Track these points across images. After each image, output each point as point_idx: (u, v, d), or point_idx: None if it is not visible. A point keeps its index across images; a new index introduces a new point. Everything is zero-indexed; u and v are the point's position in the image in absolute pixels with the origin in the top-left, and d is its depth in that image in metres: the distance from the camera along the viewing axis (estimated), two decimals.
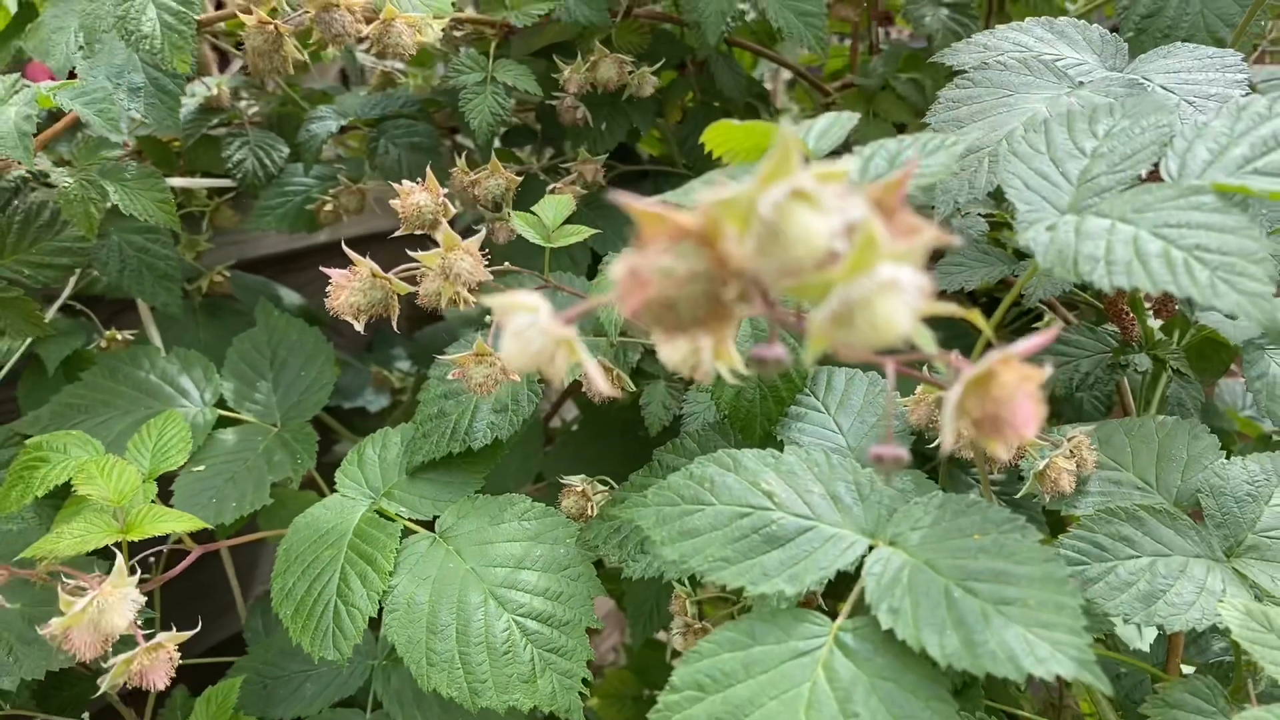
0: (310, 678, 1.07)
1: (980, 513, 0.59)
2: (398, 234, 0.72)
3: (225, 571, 1.31)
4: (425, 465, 0.93)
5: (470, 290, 0.70)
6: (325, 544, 0.87)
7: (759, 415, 0.79)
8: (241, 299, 1.32)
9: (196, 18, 0.80)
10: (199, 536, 0.97)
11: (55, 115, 0.94)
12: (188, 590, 1.43)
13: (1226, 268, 0.48)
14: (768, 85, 1.73)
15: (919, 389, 0.77)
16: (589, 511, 0.90)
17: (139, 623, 0.68)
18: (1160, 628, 0.68)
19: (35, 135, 0.82)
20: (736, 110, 1.33)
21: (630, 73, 1.10)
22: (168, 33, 0.78)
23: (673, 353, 0.45)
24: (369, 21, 0.86)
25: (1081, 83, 0.77)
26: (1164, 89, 0.74)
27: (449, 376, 0.79)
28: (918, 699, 0.53)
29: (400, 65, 1.39)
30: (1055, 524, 0.92)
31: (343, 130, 1.22)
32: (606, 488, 0.93)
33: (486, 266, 0.72)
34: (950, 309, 0.44)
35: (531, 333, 0.37)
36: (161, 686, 0.65)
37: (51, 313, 1.10)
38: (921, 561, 0.57)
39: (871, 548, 0.60)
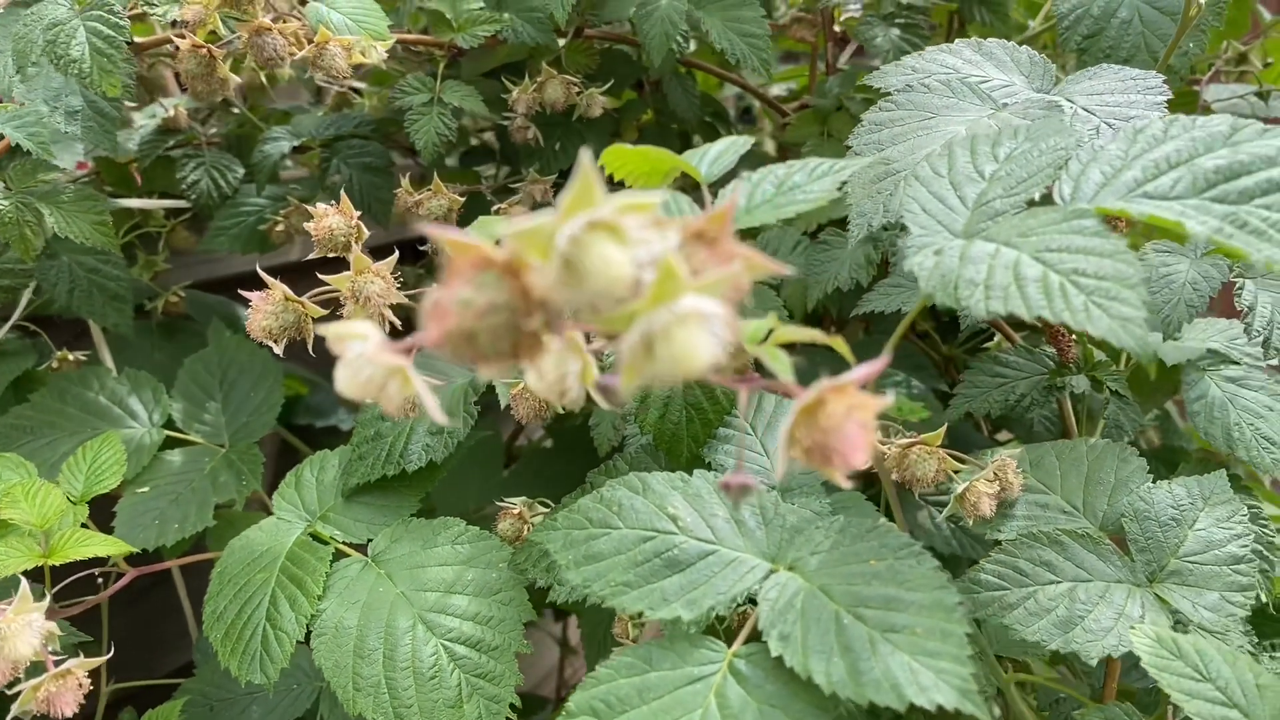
0: (257, 700, 1.07)
1: (879, 538, 0.58)
2: (311, 257, 0.72)
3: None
4: (362, 488, 0.93)
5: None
6: (258, 567, 0.87)
7: (685, 437, 0.79)
8: (200, 319, 1.32)
9: (127, 41, 0.80)
10: (147, 559, 0.97)
11: None
12: (152, 613, 1.43)
13: (1101, 292, 0.48)
14: (756, 104, 1.74)
15: None
16: (525, 534, 0.90)
17: (50, 648, 0.67)
18: (1076, 654, 0.67)
19: None
20: (692, 130, 1.33)
21: (579, 93, 1.10)
22: (97, 57, 0.78)
23: (538, 380, 0.45)
24: (307, 43, 0.87)
25: (1005, 104, 0.77)
26: (1086, 111, 0.74)
27: (367, 400, 0.79)
28: None
29: (362, 85, 1.40)
30: None
31: (297, 151, 1.22)
32: (546, 509, 0.93)
33: (404, 289, 0.72)
34: (811, 334, 0.44)
35: (360, 362, 0.37)
36: (69, 713, 0.65)
37: (2, 333, 1.10)
38: (816, 587, 0.57)
39: (773, 572, 0.60)
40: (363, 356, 0.36)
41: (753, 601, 0.57)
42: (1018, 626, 0.69)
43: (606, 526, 0.64)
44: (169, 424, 1.10)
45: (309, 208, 0.69)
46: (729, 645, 0.58)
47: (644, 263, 0.32)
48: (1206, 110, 1.22)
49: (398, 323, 0.74)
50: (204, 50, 0.84)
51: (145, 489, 1.02)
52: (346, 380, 0.37)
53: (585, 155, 0.31)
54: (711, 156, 0.58)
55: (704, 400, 0.79)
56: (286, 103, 1.50)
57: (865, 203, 0.72)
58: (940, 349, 1.26)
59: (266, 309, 0.68)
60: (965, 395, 0.92)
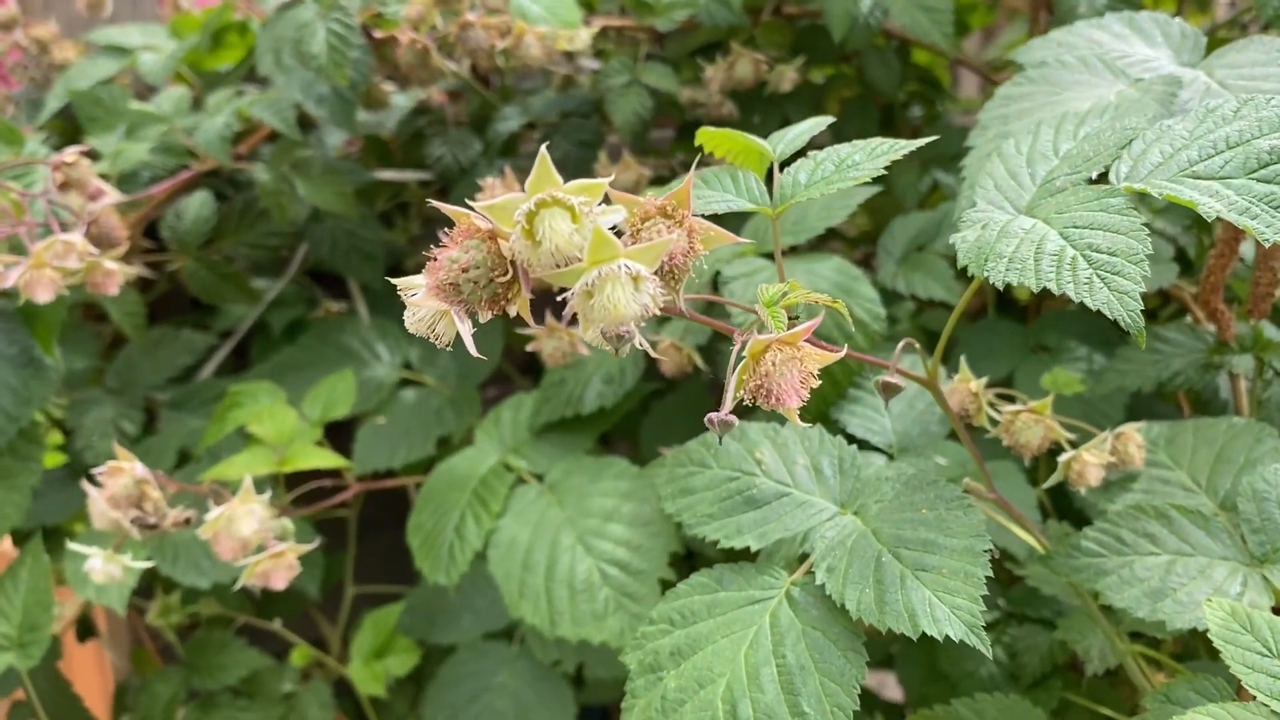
0: (468, 610, 1.23)
1: (936, 491, 0.63)
2: None
3: None
4: (547, 427, 1.05)
5: None
6: (456, 488, 1.02)
7: (814, 395, 0.85)
8: None
9: (357, 41, 0.95)
10: (379, 477, 1.15)
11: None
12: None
13: (1108, 267, 0.51)
14: None
15: (955, 378, 0.81)
16: None
17: (274, 536, 0.83)
18: (1163, 624, 0.69)
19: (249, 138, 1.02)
20: (896, 102, 1.36)
21: (769, 70, 1.17)
22: (332, 52, 0.94)
23: (591, 334, 0.54)
24: (504, 36, 0.99)
25: (1140, 79, 0.77)
26: (1220, 85, 0.73)
27: (528, 349, 0.91)
28: (837, 648, 0.59)
29: (596, 65, 1.52)
30: None
31: (527, 128, 1.36)
32: None
33: None
34: (816, 297, 0.50)
35: (414, 305, 0.47)
36: (281, 587, 0.81)
37: (281, 286, 1.32)
38: (870, 529, 0.63)
39: (838, 515, 0.66)
40: (416, 300, 0.47)
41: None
42: (1109, 593, 0.71)
43: (703, 465, 0.72)
44: (407, 366, 1.27)
45: (481, 182, 0.80)
46: (790, 576, 0.65)
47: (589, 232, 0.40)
48: None
49: None
50: (419, 44, 0.98)
51: (382, 420, 1.20)
52: (409, 319, 0.48)
53: (543, 150, 0.40)
54: (790, 137, 0.64)
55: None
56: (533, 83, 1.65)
57: (979, 174, 0.75)
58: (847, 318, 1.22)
59: None
60: (1118, 370, 0.92)
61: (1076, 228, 0.53)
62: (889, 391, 0.60)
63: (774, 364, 0.44)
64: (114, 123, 1.12)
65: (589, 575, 0.92)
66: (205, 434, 1.02)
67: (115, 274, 0.84)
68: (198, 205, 1.12)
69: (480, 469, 1.03)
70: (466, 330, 0.47)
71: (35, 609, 0.92)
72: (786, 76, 1.18)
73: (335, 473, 1.09)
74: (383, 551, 1.48)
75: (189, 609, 1.17)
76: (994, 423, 0.79)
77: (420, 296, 0.47)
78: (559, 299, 0.88)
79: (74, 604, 1.24)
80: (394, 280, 0.49)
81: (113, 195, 0.88)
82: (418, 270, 1.32)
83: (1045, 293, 1.34)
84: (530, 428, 1.07)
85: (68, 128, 1.24)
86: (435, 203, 0.43)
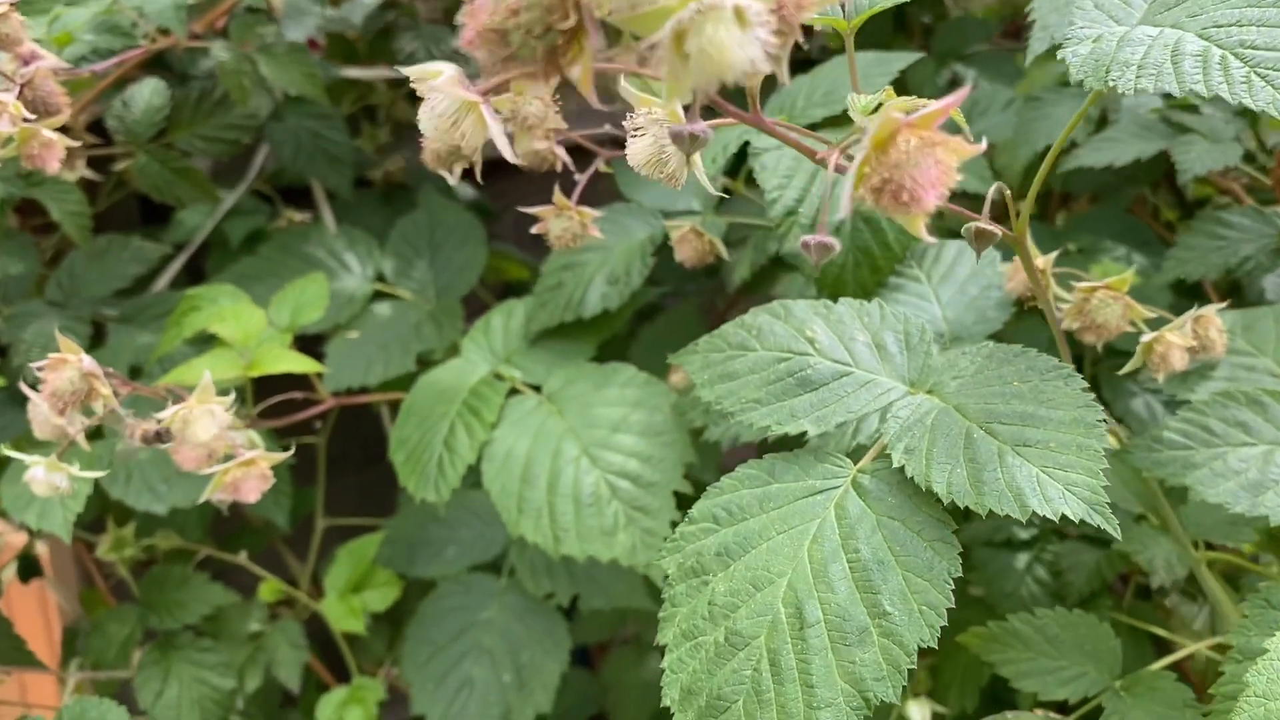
0: (453, 542, 1.13)
1: (1027, 362, 0.55)
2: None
3: None
4: (544, 334, 0.96)
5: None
6: (443, 400, 0.92)
7: (851, 283, 0.76)
8: (418, 188, 1.39)
9: None
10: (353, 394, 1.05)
11: None
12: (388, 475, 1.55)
13: (1268, 63, 0.42)
14: None
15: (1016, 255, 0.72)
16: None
17: (242, 442, 0.73)
18: (1266, 519, 0.61)
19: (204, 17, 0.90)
20: None
21: None
22: None
23: (638, 152, 0.45)
24: None
25: None
26: None
27: (532, 230, 0.81)
28: (921, 540, 0.51)
29: None
30: None
31: None
32: None
33: None
34: (917, 102, 0.41)
35: (435, 94, 0.37)
36: (253, 499, 0.71)
37: (240, 193, 1.20)
38: (951, 406, 0.54)
39: (909, 395, 0.57)
40: (438, 88, 0.37)
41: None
42: (1200, 487, 0.63)
43: (744, 349, 0.63)
44: (380, 278, 1.17)
45: None
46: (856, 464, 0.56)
47: None
48: None
49: (562, 153, 0.74)
50: None
51: (355, 334, 1.09)
52: (426, 115, 0.38)
53: None
54: None
55: (874, 244, 0.76)
56: None
57: (1050, 15, 0.67)
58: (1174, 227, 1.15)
59: None
60: (1179, 258, 0.84)
61: (1219, 26, 0.45)
62: (983, 240, 0.51)
63: (906, 152, 0.34)
64: (52, 7, 1.00)
65: (596, 488, 0.83)
66: (159, 343, 0.91)
67: (55, 145, 0.73)
68: (149, 92, 1.00)
69: (469, 380, 0.93)
70: (499, 131, 0.38)
71: None
72: None
73: (306, 387, 0.99)
74: (353, 491, 1.38)
75: (144, 542, 1.06)
76: (1062, 303, 0.71)
77: (443, 82, 0.37)
78: (575, 177, 0.78)
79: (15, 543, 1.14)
80: (407, 70, 0.39)
81: (50, 60, 0.77)
82: (386, 182, 1.21)
83: (1067, 197, 1.25)
84: (524, 335, 0.97)
85: None
86: None
